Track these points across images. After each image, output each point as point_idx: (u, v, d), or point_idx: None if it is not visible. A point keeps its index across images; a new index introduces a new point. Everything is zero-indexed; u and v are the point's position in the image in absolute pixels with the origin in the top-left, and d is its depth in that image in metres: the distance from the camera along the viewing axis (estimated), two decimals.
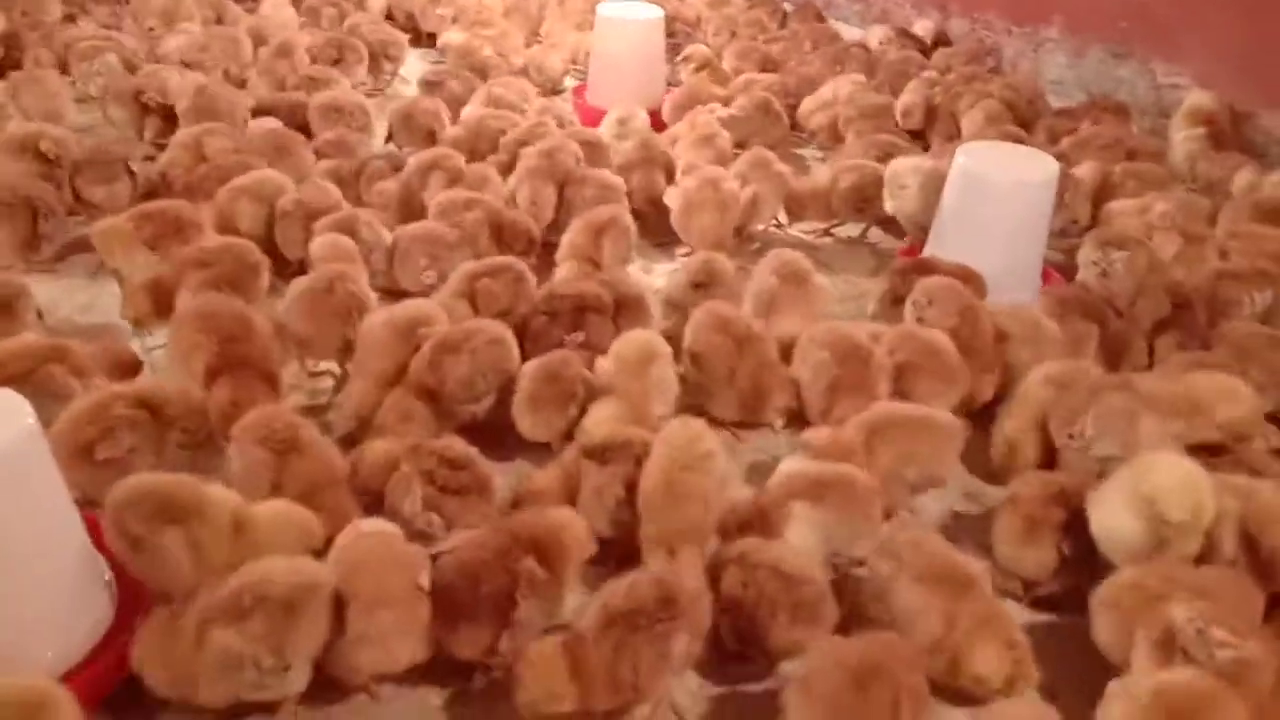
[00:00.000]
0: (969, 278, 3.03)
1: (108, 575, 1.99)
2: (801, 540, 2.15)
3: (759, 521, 2.16)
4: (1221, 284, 3.21)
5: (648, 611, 1.80)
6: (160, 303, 2.80)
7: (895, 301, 3.12)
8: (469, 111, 4.31)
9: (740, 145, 4.23)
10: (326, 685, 1.89)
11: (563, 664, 1.79)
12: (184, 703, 1.81)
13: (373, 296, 2.83)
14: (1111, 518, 2.11)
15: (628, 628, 1.79)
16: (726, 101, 4.70)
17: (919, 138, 4.74)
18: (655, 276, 3.59)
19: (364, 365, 2.59)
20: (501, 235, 3.34)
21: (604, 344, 2.66)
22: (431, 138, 4.11)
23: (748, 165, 3.84)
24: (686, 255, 3.54)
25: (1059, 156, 3.70)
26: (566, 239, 3.32)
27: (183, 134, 3.77)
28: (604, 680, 1.78)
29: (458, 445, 2.25)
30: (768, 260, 3.13)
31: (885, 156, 3.98)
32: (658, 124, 4.54)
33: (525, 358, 2.64)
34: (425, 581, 1.90)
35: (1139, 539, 2.07)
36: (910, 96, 4.76)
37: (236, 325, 2.51)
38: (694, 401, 2.75)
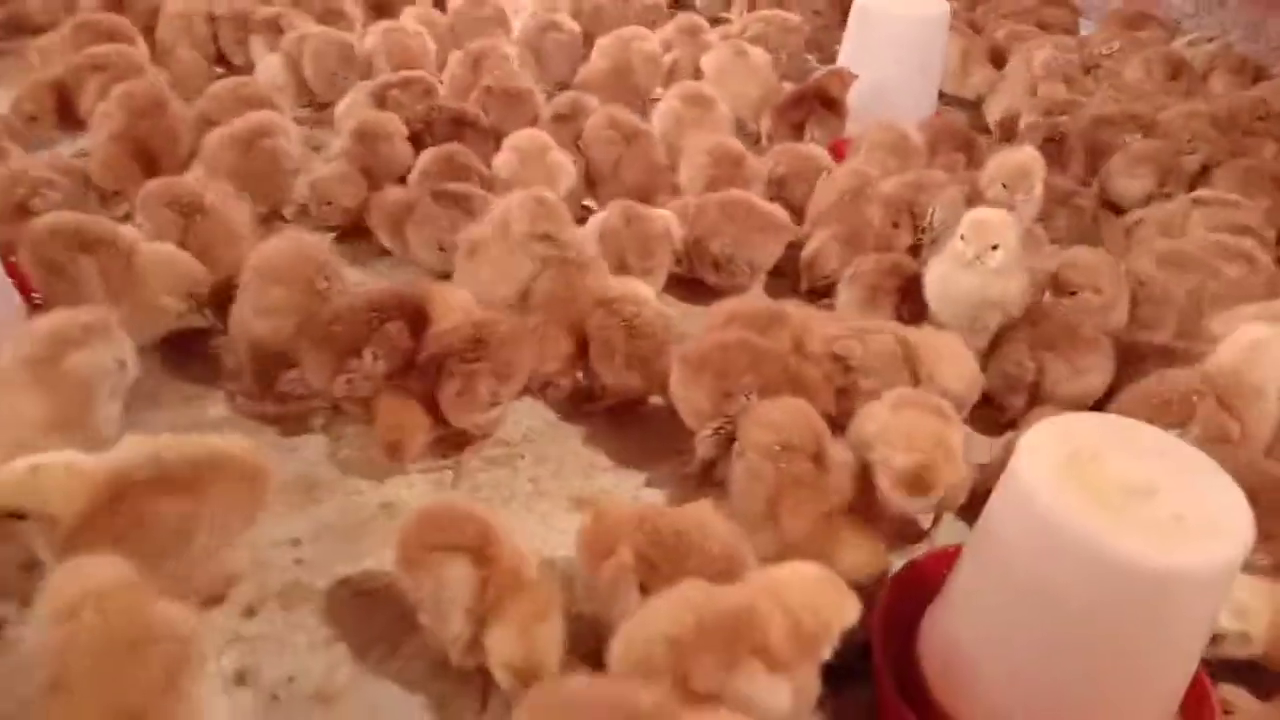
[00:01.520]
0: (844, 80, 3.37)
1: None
2: None
3: None
4: (1098, 128, 3.46)
5: (456, 351, 2.02)
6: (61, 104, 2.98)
7: (794, 126, 3.37)
8: None
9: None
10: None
11: (396, 403, 2.03)
12: None
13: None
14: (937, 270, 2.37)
15: (440, 367, 2.03)
16: None
17: None
18: None
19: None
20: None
21: (483, 159, 2.86)
22: None
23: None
24: None
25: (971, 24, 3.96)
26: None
27: None
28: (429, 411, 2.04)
29: None
30: (675, 88, 3.35)
31: None
32: None
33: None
34: (322, 285, 2.13)
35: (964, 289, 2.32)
36: None
37: (149, 102, 2.69)
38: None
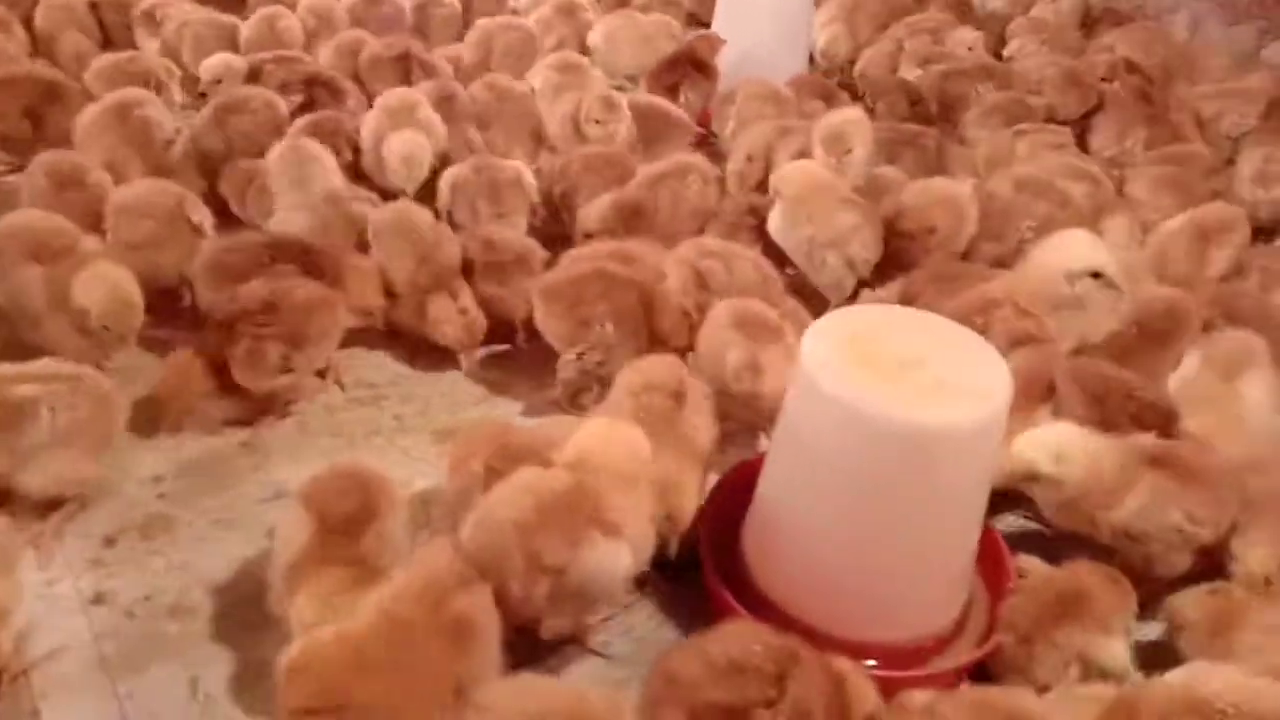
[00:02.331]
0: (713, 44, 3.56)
1: None
2: None
3: None
4: (949, 81, 3.66)
5: (248, 314, 2.07)
6: None
7: (668, 89, 3.54)
8: None
9: None
10: None
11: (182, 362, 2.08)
12: None
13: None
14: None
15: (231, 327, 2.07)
16: None
17: None
18: None
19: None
20: None
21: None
22: None
23: None
24: None
25: None
26: None
27: None
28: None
29: None
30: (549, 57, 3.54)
31: None
32: None
33: None
34: (195, 219, 2.27)
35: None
36: None
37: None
38: None
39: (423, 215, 2.42)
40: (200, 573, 1.81)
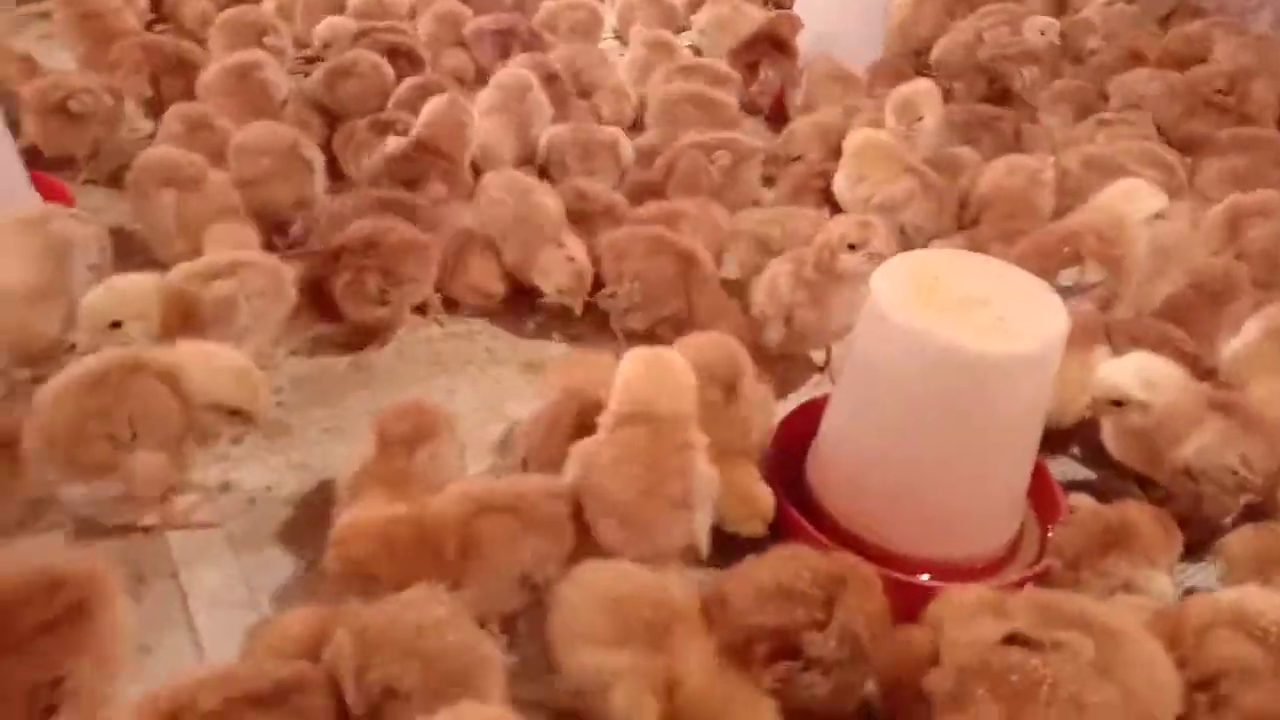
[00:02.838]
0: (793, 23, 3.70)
1: None
2: None
3: None
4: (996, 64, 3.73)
5: (351, 248, 2.26)
6: None
7: (748, 67, 3.66)
8: None
9: None
10: None
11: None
12: None
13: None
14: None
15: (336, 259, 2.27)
16: None
17: None
18: None
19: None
20: None
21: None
22: None
23: None
24: None
25: None
26: None
27: None
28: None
29: None
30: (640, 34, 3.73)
31: None
32: None
33: None
34: (307, 155, 2.58)
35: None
36: None
37: None
38: None
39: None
40: (312, 471, 2.01)
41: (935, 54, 4.09)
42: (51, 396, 1.65)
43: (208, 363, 1.76)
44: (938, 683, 1.36)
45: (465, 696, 1.25)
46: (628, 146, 2.90)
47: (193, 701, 1.24)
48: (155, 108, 2.99)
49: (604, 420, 1.71)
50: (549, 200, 2.45)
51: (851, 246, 2.13)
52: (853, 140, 2.73)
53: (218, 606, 1.71)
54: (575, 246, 2.39)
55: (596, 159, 2.80)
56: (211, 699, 1.24)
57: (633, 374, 1.76)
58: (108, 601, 1.31)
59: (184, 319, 1.98)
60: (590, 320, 2.48)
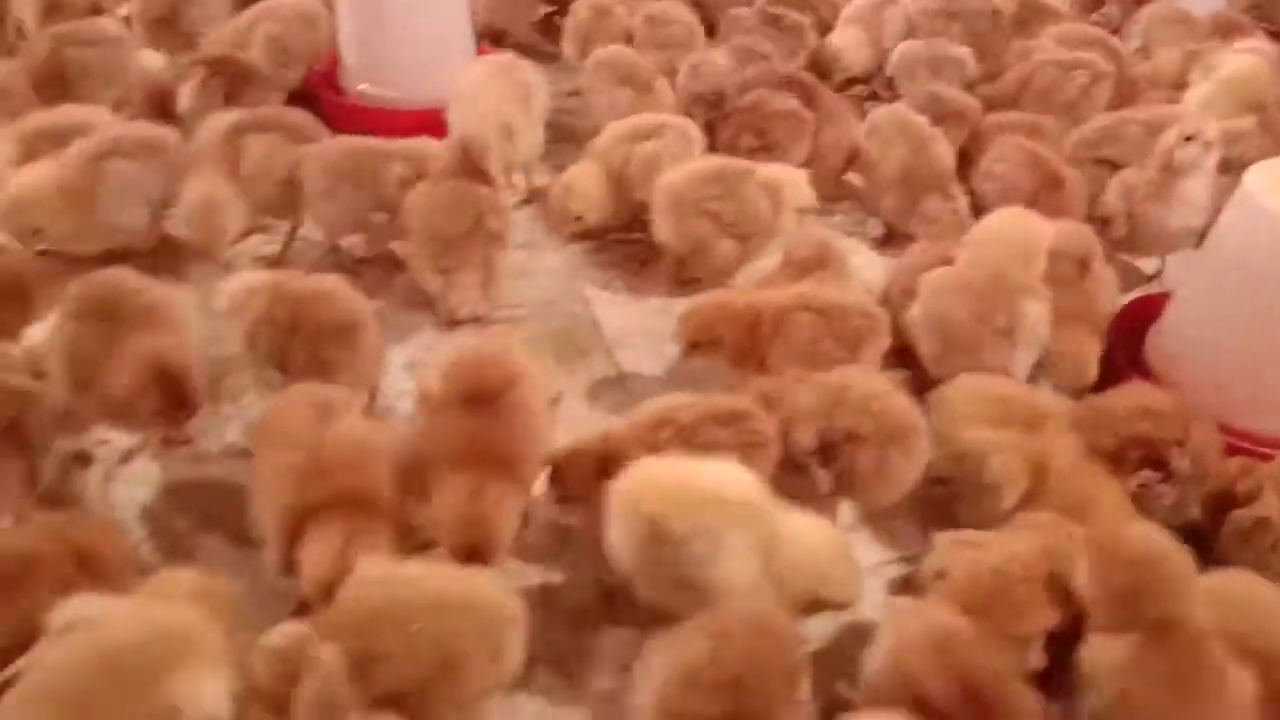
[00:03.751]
0: None
1: None
2: None
3: None
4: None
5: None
6: None
7: None
8: None
9: None
10: None
11: None
12: None
13: None
14: None
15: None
16: None
17: None
18: None
19: None
20: None
21: None
22: None
23: None
24: None
25: None
26: None
27: None
28: None
29: None
30: None
31: None
32: None
33: None
34: None
35: None
36: None
37: None
38: None
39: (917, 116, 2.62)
40: None
41: None
42: None
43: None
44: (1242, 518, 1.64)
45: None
46: (972, 63, 3.12)
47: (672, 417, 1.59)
48: None
49: (960, 254, 2.04)
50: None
51: (1188, 139, 2.30)
52: (1226, 66, 2.79)
53: None
54: (960, 198, 2.53)
55: (944, 73, 3.05)
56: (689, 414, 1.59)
57: (996, 221, 2.07)
58: None
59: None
60: None
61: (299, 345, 1.77)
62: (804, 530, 1.45)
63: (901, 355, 2.08)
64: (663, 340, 2.22)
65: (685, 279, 2.39)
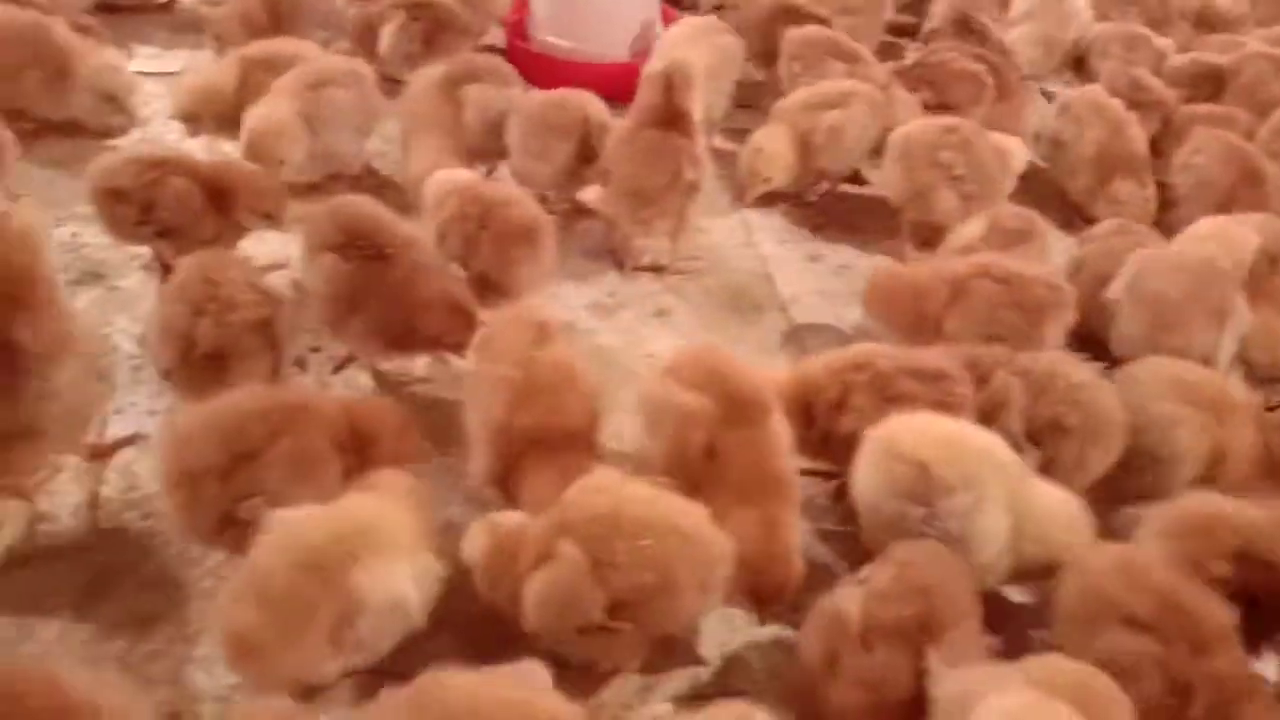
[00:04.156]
0: None
1: None
2: None
3: None
4: None
5: None
6: None
7: None
8: None
9: None
10: None
11: None
12: None
13: None
14: None
15: None
16: None
17: None
18: None
19: None
20: None
21: None
22: None
23: None
24: None
25: None
26: None
27: None
28: None
29: None
30: None
31: None
32: None
33: None
34: None
35: None
36: None
37: None
38: None
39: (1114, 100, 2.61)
40: None
41: None
42: None
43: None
44: None
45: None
46: (1169, 44, 3.04)
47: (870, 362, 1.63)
48: None
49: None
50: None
51: None
52: None
53: None
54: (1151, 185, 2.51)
55: (1139, 51, 2.97)
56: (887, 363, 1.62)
57: (1207, 225, 2.08)
58: None
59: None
60: None
61: (486, 241, 1.91)
62: (1050, 500, 1.46)
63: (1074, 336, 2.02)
64: (835, 300, 2.25)
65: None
